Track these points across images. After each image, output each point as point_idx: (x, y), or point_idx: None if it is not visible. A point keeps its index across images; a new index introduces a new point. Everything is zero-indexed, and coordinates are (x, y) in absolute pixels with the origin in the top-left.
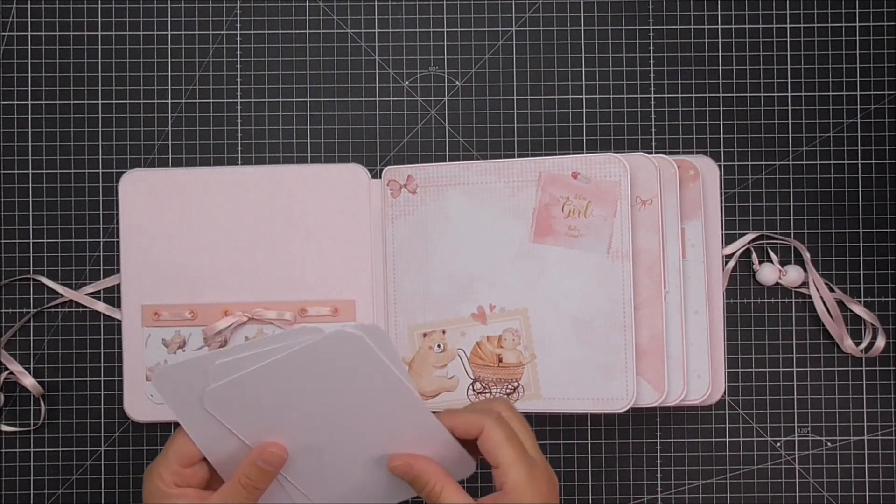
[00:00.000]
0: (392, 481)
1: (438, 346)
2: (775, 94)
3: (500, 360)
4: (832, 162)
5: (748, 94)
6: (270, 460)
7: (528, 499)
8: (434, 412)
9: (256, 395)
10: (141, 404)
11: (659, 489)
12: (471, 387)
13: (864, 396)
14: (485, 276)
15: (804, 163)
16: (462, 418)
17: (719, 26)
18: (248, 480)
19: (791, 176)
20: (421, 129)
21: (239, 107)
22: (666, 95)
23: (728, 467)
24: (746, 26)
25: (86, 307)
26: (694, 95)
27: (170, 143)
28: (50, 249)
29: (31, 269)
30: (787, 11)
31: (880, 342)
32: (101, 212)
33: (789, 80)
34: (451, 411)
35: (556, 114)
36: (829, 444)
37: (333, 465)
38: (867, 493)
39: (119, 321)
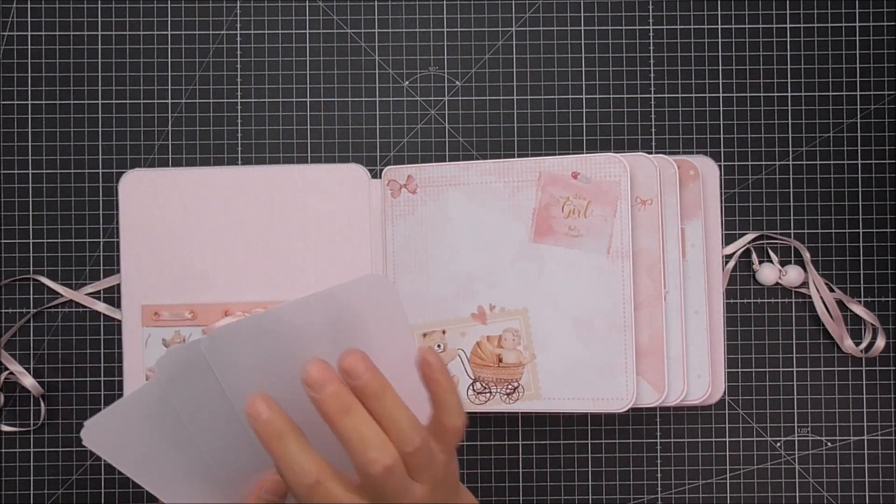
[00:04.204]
0: None
1: (438, 346)
2: (775, 94)
3: (500, 360)
4: (832, 162)
5: (748, 94)
6: (274, 490)
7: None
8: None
9: (260, 343)
10: None
11: (659, 489)
12: (471, 387)
13: (864, 396)
14: (485, 276)
15: (804, 163)
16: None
17: (719, 26)
18: None
19: (791, 176)
20: (421, 129)
21: (239, 107)
22: (666, 95)
23: (728, 467)
24: (746, 26)
25: (86, 307)
26: (694, 95)
27: (170, 143)
28: (50, 249)
29: (31, 269)
30: (787, 11)
31: (880, 342)
32: (101, 212)
33: (789, 80)
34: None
35: (556, 114)
36: (829, 444)
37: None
38: (867, 493)
39: (119, 321)
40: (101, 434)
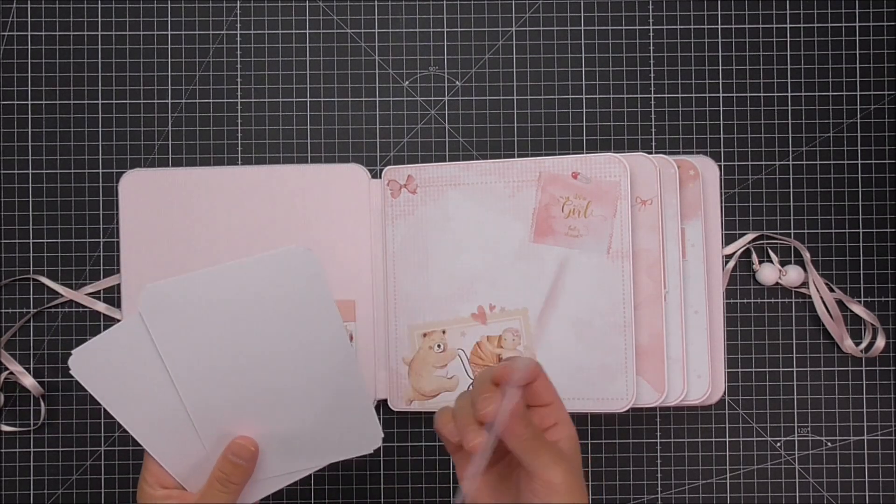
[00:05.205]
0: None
1: (438, 346)
2: (775, 94)
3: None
4: (832, 162)
5: (748, 94)
6: (239, 453)
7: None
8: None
9: (194, 300)
10: None
11: (659, 489)
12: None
13: (864, 396)
14: (485, 276)
15: (804, 163)
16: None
17: (719, 26)
18: (222, 475)
19: (791, 176)
20: (421, 129)
21: (239, 107)
22: (666, 95)
23: (728, 467)
24: (746, 26)
25: (86, 307)
26: (694, 95)
27: (170, 143)
28: (50, 249)
29: (31, 269)
30: (787, 11)
31: (880, 342)
32: (101, 212)
33: (789, 80)
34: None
35: (556, 114)
36: (829, 444)
37: (246, 399)
38: (867, 493)
39: (119, 321)
40: (87, 364)
